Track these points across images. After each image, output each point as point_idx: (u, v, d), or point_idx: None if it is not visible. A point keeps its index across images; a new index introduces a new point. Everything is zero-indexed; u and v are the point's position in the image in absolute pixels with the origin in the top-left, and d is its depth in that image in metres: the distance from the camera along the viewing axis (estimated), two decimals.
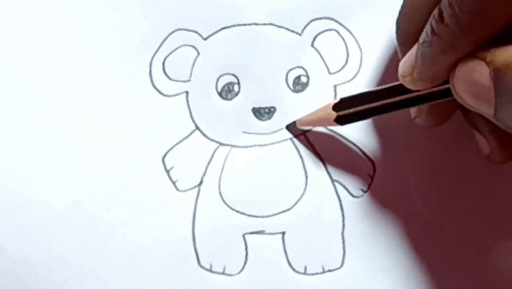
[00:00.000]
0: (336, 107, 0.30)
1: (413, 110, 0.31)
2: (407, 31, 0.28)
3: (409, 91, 0.28)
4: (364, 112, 0.29)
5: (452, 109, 0.30)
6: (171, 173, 0.31)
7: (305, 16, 0.33)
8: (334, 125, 0.30)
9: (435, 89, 0.27)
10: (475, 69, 0.24)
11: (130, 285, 0.31)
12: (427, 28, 0.25)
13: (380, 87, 0.29)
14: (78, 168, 0.31)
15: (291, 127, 0.32)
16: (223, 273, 0.31)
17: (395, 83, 0.28)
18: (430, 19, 0.25)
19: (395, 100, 0.29)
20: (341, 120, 0.30)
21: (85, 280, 0.30)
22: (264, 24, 0.32)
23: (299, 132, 0.32)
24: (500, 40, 0.24)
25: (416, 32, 0.26)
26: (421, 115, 0.30)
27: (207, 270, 0.31)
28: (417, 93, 0.28)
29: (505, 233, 0.32)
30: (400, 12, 0.29)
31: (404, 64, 0.27)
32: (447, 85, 0.26)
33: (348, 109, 0.30)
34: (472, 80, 0.24)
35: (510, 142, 0.29)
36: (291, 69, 0.32)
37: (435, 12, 0.25)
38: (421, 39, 0.26)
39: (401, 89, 0.28)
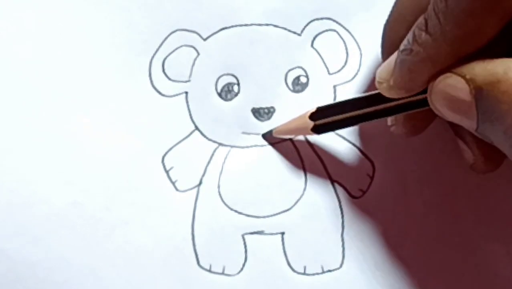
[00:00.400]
0: (312, 116, 0.30)
1: (389, 119, 0.30)
2: (392, 37, 0.28)
3: (386, 100, 0.28)
4: (341, 122, 0.29)
5: (429, 119, 0.30)
6: (170, 173, 0.31)
7: (305, 16, 0.32)
8: (311, 134, 0.30)
9: (413, 99, 0.27)
10: (455, 86, 0.24)
11: (130, 285, 0.31)
12: (409, 35, 0.25)
13: (357, 96, 0.29)
14: (78, 168, 0.31)
15: (267, 136, 0.32)
16: (222, 273, 0.31)
17: (372, 92, 0.28)
18: (413, 27, 0.25)
19: (372, 110, 0.28)
20: (318, 129, 0.30)
21: (85, 280, 0.30)
22: (264, 24, 0.32)
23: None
24: (479, 53, 0.24)
25: (401, 40, 0.26)
26: (397, 124, 0.30)
27: (206, 270, 0.31)
28: (395, 102, 0.28)
29: (505, 233, 0.32)
30: (388, 19, 0.29)
31: (382, 70, 0.27)
32: (425, 95, 0.26)
33: (324, 118, 0.29)
34: (452, 97, 0.24)
35: (493, 152, 0.28)
36: (290, 70, 0.32)
37: (420, 20, 0.24)
38: (402, 46, 0.25)
39: (378, 98, 0.28)
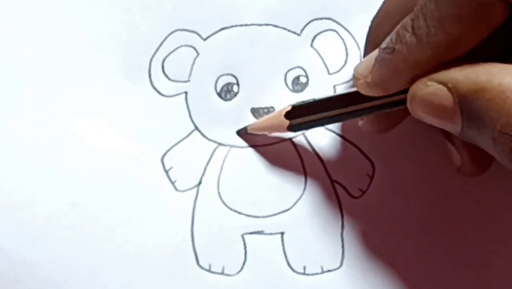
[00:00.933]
0: (288, 115, 0.30)
1: None
2: (377, 35, 0.28)
3: (363, 100, 0.27)
4: (316, 121, 0.29)
5: (400, 117, 0.30)
6: (170, 173, 0.31)
7: (304, 16, 0.32)
8: (286, 132, 0.30)
9: (390, 99, 0.27)
10: (437, 94, 0.24)
11: (130, 285, 0.31)
12: (393, 34, 0.25)
13: (333, 95, 0.29)
14: (78, 168, 0.31)
15: (242, 132, 0.32)
16: (222, 273, 0.31)
17: (348, 91, 0.28)
18: (398, 26, 0.25)
19: (348, 111, 0.28)
20: (293, 128, 0.30)
21: (85, 280, 0.30)
22: (264, 24, 0.32)
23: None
24: (461, 57, 0.24)
25: (384, 37, 0.26)
26: (366, 121, 0.30)
27: (206, 270, 0.31)
28: (371, 103, 0.27)
29: (504, 233, 0.32)
30: (374, 16, 0.29)
31: (361, 66, 0.27)
32: (402, 96, 0.26)
33: (300, 117, 0.29)
34: (434, 104, 0.24)
35: (481, 156, 0.28)
36: (290, 70, 0.32)
37: (406, 20, 0.24)
38: (384, 44, 0.25)
39: (354, 97, 0.28)
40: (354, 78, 0.27)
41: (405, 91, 0.26)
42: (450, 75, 0.23)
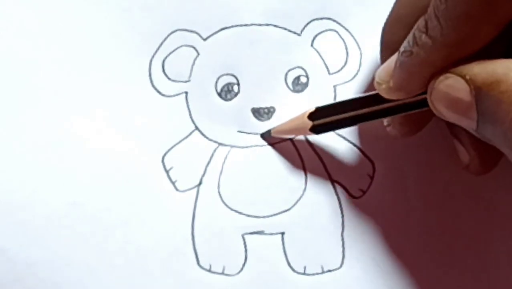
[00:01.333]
0: (311, 116, 0.30)
1: (385, 119, 0.30)
2: (391, 38, 0.28)
3: (385, 101, 0.28)
4: (339, 122, 0.29)
5: (426, 119, 0.30)
6: (170, 173, 0.31)
7: (305, 16, 0.32)
8: (309, 134, 0.30)
9: (412, 99, 0.27)
10: (455, 86, 0.24)
11: (130, 285, 0.31)
12: (410, 37, 0.25)
13: (356, 96, 0.29)
14: (78, 168, 0.31)
15: (266, 136, 0.32)
16: (222, 273, 0.31)
17: (371, 93, 0.28)
18: (413, 29, 0.25)
19: (370, 110, 0.28)
20: (317, 129, 0.30)
21: (85, 280, 0.30)
22: (264, 24, 0.32)
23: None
24: (478, 55, 0.24)
25: (399, 41, 0.26)
26: (393, 125, 0.30)
27: (206, 270, 0.31)
28: (394, 103, 0.28)
29: (504, 233, 0.32)
30: (386, 20, 0.29)
31: (382, 71, 0.27)
32: (423, 96, 0.26)
33: (323, 118, 0.30)
34: (452, 97, 0.24)
35: (489, 154, 0.29)
36: (290, 70, 0.32)
37: (420, 22, 0.24)
38: (402, 48, 0.25)
39: (377, 99, 0.28)
40: (376, 84, 0.27)
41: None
42: (468, 68, 0.24)
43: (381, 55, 0.29)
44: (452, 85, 0.24)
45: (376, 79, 0.27)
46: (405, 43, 0.25)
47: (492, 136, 0.24)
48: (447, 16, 0.23)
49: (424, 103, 0.26)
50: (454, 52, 0.24)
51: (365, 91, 0.32)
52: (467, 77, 0.24)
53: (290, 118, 0.31)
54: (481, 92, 0.23)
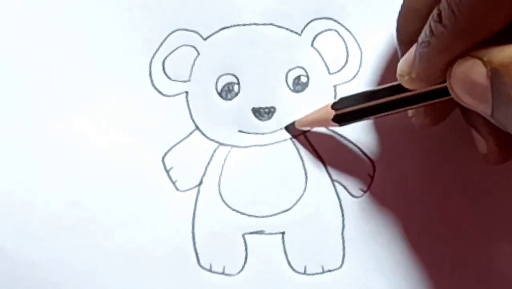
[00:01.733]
0: (335, 106, 0.30)
1: (410, 110, 0.30)
2: (407, 31, 0.28)
3: (408, 90, 0.28)
4: (362, 111, 0.29)
5: (449, 108, 0.30)
6: (171, 173, 0.31)
7: (305, 16, 0.32)
8: (333, 125, 0.30)
9: (434, 87, 0.27)
10: (472, 68, 0.24)
11: (130, 285, 0.31)
12: (426, 28, 0.25)
13: (379, 87, 0.29)
14: (78, 168, 0.31)
15: (290, 128, 0.32)
16: (222, 273, 0.31)
17: (394, 83, 0.28)
18: (429, 20, 0.25)
19: (393, 99, 0.29)
20: (340, 119, 0.30)
21: (85, 280, 0.30)
22: (264, 24, 0.32)
23: (298, 132, 0.32)
24: (497, 40, 0.24)
25: (416, 32, 0.26)
26: (418, 115, 0.30)
27: (207, 270, 0.31)
28: (416, 92, 0.28)
29: (505, 233, 0.32)
30: (400, 12, 0.29)
31: (403, 64, 0.27)
32: (445, 84, 0.26)
33: (347, 108, 0.30)
34: (469, 79, 0.25)
35: (507, 143, 0.29)
36: (291, 69, 0.32)
37: (434, 12, 0.25)
38: (420, 39, 0.26)
39: (400, 89, 0.28)
40: (398, 76, 0.28)
41: None
42: (485, 51, 0.24)
43: (398, 46, 0.29)
44: (469, 67, 0.24)
45: (398, 72, 0.28)
46: (422, 35, 0.26)
47: (505, 120, 0.24)
48: (460, 4, 0.24)
49: (446, 91, 0.26)
50: (470, 39, 0.24)
51: None
52: (485, 59, 0.24)
53: (313, 110, 0.31)
54: (497, 73, 0.23)
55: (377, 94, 0.29)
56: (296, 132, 0.32)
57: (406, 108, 0.29)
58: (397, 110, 0.29)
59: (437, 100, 0.28)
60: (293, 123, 0.32)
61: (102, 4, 0.32)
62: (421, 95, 0.28)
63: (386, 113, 0.29)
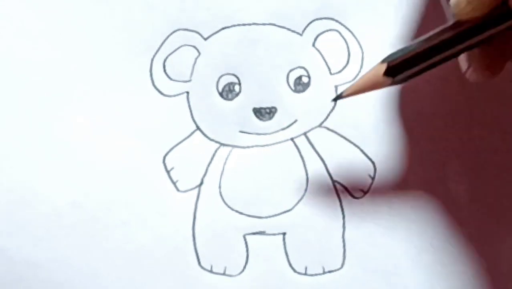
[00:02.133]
0: (386, 60, 0.28)
1: (463, 63, 0.29)
2: None
3: (459, 29, 0.27)
4: (416, 58, 0.27)
5: (503, 59, 0.29)
6: (171, 173, 0.31)
7: (306, 16, 0.32)
8: (385, 83, 0.28)
9: (487, 17, 0.26)
10: None
11: (130, 285, 0.31)
12: None
13: (428, 34, 0.28)
14: (78, 168, 0.31)
15: (338, 99, 0.29)
16: (223, 274, 0.31)
17: (445, 25, 0.27)
18: None
19: (446, 38, 0.27)
20: (393, 72, 0.27)
21: (85, 280, 0.30)
22: (265, 24, 0.32)
23: (300, 132, 0.32)
24: None
25: None
26: (473, 67, 0.28)
27: (207, 270, 0.31)
28: (469, 25, 0.27)
29: (506, 232, 0.32)
30: None
31: None
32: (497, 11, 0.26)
33: (398, 58, 0.27)
34: None
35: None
36: (292, 70, 0.32)
37: None
38: None
39: (450, 29, 0.27)
40: (454, 7, 0.26)
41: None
42: None
43: None
44: None
45: (451, 5, 0.26)
46: None
47: None
48: None
49: (498, 19, 0.26)
50: None
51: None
52: None
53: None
54: None
55: (429, 40, 0.27)
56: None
57: (461, 46, 0.27)
58: (453, 50, 0.27)
59: (493, 31, 0.27)
60: (340, 94, 0.29)
61: (103, 4, 0.32)
62: (474, 29, 0.27)
63: (441, 56, 0.27)
